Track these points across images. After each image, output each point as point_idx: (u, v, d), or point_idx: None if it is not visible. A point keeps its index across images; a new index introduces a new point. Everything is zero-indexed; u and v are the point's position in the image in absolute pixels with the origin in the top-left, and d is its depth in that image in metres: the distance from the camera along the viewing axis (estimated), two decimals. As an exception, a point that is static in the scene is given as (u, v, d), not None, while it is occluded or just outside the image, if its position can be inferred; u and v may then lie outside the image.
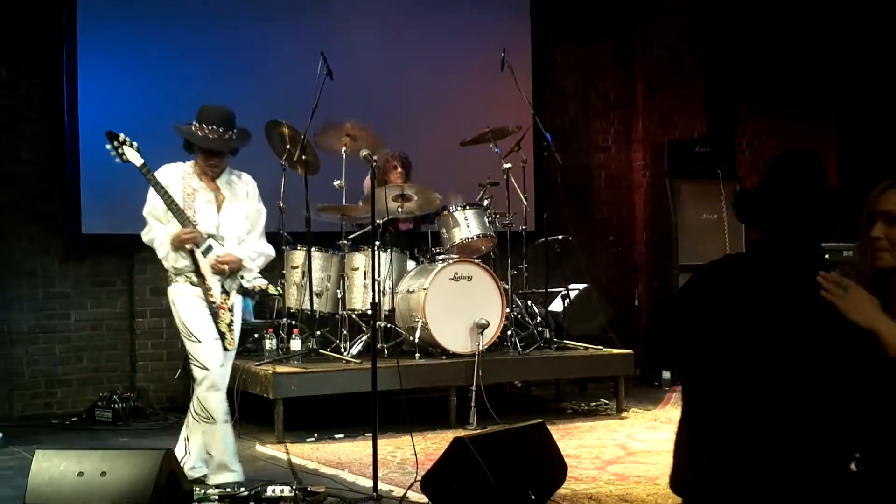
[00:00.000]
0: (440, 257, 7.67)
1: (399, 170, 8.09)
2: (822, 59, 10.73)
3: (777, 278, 2.84)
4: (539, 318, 8.24)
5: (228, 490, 5.13)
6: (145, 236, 5.56)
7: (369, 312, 6.37)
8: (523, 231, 8.16)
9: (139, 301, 8.47)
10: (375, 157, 5.88)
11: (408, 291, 7.51)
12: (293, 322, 7.54)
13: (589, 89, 10.29)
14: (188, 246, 5.36)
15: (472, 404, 7.10)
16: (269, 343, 7.51)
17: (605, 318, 8.97)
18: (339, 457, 6.30)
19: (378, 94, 8.91)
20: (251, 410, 7.22)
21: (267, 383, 6.86)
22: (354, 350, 7.40)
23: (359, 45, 8.98)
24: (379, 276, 7.33)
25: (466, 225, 7.75)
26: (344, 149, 7.45)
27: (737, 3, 10.47)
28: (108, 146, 5.50)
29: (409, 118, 9.03)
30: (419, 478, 5.03)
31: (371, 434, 5.27)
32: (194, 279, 5.41)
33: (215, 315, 5.41)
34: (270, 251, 5.73)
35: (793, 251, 2.91)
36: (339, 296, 7.55)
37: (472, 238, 7.73)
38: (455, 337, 7.41)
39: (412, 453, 5.76)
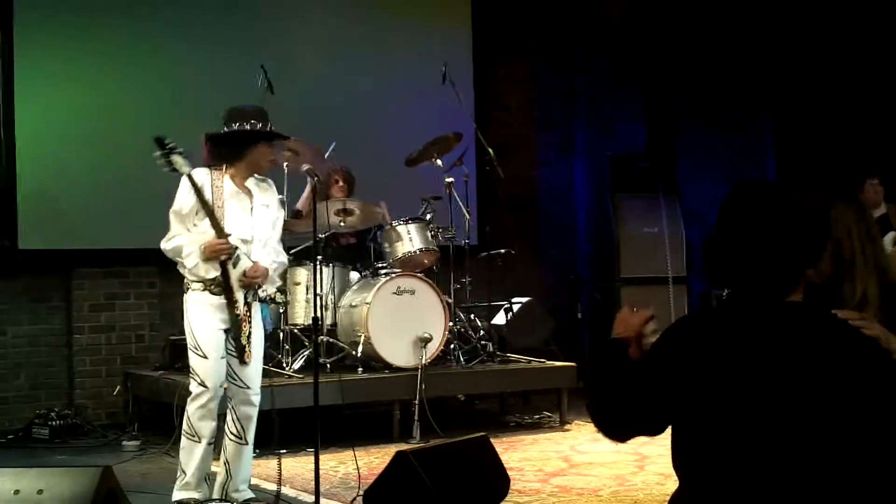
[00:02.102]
0: (383, 271, 7.65)
1: (341, 184, 8.07)
2: (760, 70, 10.87)
3: (781, 330, 2.48)
4: (482, 332, 8.25)
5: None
6: (168, 244, 5.25)
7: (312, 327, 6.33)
8: (466, 245, 8.17)
9: (77, 317, 8.34)
10: (317, 173, 5.84)
11: (350, 306, 7.48)
12: (235, 337, 7.46)
13: (531, 103, 10.34)
14: (223, 257, 5.17)
15: (416, 418, 7.09)
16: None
17: (548, 331, 9.00)
18: (282, 472, 6.24)
19: (319, 108, 8.88)
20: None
21: (208, 399, 6.77)
22: (297, 365, 7.35)
23: (299, 59, 8.95)
24: (321, 290, 7.32)
25: (409, 239, 7.75)
26: (285, 164, 7.41)
27: (675, 17, 10.58)
28: (157, 153, 5.15)
29: (350, 132, 8.99)
30: (361, 492, 5.00)
31: (313, 449, 5.24)
32: (215, 289, 5.22)
33: (238, 327, 5.20)
34: (285, 259, 5.61)
35: (774, 297, 2.54)
36: (281, 311, 7.50)
37: (415, 252, 7.72)
38: (398, 351, 7.40)
39: (355, 468, 5.74)
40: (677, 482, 2.62)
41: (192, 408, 5.23)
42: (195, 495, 5.27)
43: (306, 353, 7.43)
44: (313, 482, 5.19)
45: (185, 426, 5.27)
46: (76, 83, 8.33)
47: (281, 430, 6.92)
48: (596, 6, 10.32)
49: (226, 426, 5.37)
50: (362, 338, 7.30)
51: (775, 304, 2.53)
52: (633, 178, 9.80)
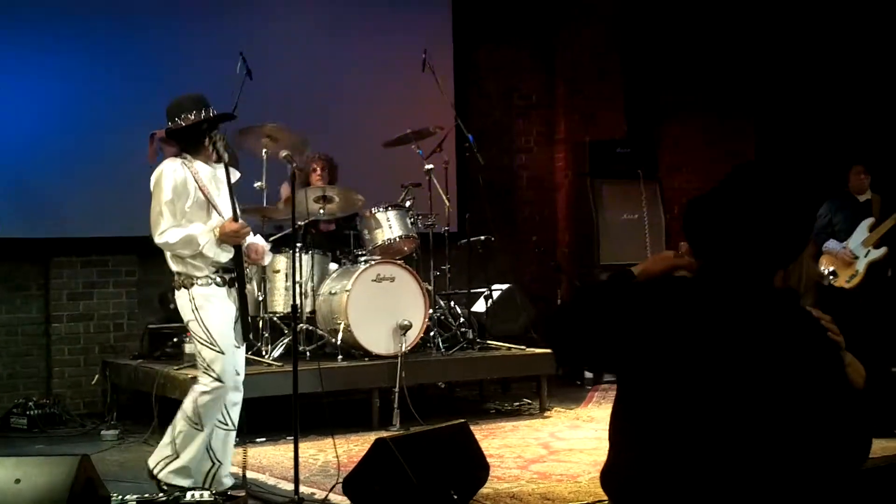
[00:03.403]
0: (362, 259, 7.64)
1: (319, 171, 8.04)
2: (741, 59, 10.89)
3: (746, 306, 2.53)
4: (462, 319, 8.24)
5: (147, 496, 5.04)
6: (171, 237, 5.12)
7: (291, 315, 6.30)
8: (446, 232, 8.16)
9: (55, 306, 8.30)
10: (295, 160, 5.80)
11: (330, 293, 7.47)
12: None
13: (511, 90, 10.33)
14: (242, 241, 5.17)
15: (395, 406, 7.08)
16: (189, 347, 7.38)
17: (528, 318, 9.01)
18: (260, 461, 6.24)
19: (299, 94, 8.84)
20: (170, 415, 7.10)
21: (186, 388, 6.71)
22: (276, 353, 7.33)
23: (280, 45, 8.90)
24: (300, 278, 7.30)
25: (389, 226, 7.73)
26: (264, 150, 7.38)
27: (657, 4, 10.58)
28: (216, 133, 5.26)
29: (331, 119, 8.98)
30: (341, 480, 5.00)
31: (293, 437, 5.22)
32: (219, 280, 5.19)
33: (244, 305, 5.19)
34: None
35: (753, 277, 2.56)
36: (261, 298, 7.48)
37: (395, 239, 7.71)
38: (378, 338, 7.39)
39: (334, 456, 5.73)
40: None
41: (203, 399, 5.17)
42: (187, 483, 5.23)
43: (285, 340, 7.41)
44: (293, 470, 5.18)
45: (189, 413, 5.20)
46: (53, 70, 8.26)
47: (261, 419, 6.91)
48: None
49: (183, 410, 5.32)
50: (342, 325, 7.29)
51: (749, 285, 2.55)
52: (613, 164, 9.80)
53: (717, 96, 10.95)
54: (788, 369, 2.49)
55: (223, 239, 5.14)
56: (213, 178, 5.30)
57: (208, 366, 5.17)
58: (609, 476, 2.71)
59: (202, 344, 5.19)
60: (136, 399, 7.81)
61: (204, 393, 5.18)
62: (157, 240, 5.18)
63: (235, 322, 5.27)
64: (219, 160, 5.26)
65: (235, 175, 5.45)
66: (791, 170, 2.61)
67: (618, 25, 10.40)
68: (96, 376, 8.11)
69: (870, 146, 9.50)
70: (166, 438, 5.31)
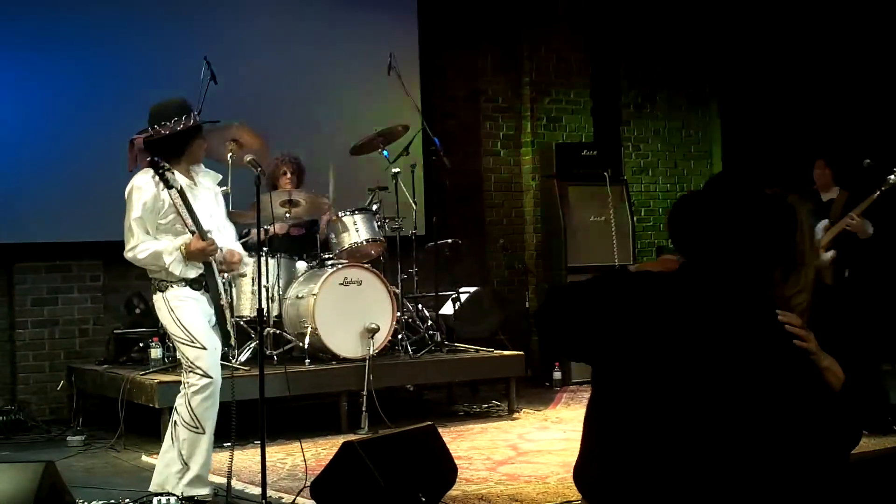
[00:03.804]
0: (329, 262, 7.62)
1: (289, 175, 8.00)
2: (704, 59, 10.96)
3: (718, 308, 2.60)
4: (430, 322, 8.24)
5: (113, 501, 5.01)
6: (140, 253, 5.13)
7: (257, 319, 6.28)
8: (413, 235, 8.16)
9: (20, 312, 8.22)
10: (260, 163, 5.77)
11: (297, 297, 7.45)
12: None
13: (477, 93, 10.34)
14: (213, 257, 5.15)
15: (364, 409, 7.07)
16: (155, 352, 7.35)
17: (496, 320, 9.02)
18: (227, 465, 6.19)
19: (265, 98, 8.81)
20: (137, 421, 7.10)
21: (153, 393, 6.73)
22: (243, 357, 7.29)
23: (245, 48, 8.87)
24: (266, 282, 7.28)
25: (356, 230, 7.72)
26: (229, 154, 7.34)
27: (623, 6, 10.63)
28: (152, 174, 5.09)
29: (296, 122, 8.95)
30: (309, 484, 4.98)
31: (260, 441, 5.20)
32: (195, 284, 5.21)
33: (221, 315, 5.22)
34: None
35: (733, 280, 2.63)
36: (226, 303, 7.42)
37: (362, 243, 7.70)
38: (345, 342, 7.38)
39: (302, 460, 5.71)
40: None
41: (196, 400, 5.16)
42: (205, 491, 5.21)
43: (252, 345, 7.38)
44: (260, 474, 5.16)
45: (186, 418, 5.17)
46: (12, 75, 8.19)
47: (228, 423, 6.87)
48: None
49: (178, 417, 5.28)
50: (309, 329, 7.28)
51: (724, 285, 2.61)
52: (580, 166, 9.82)
53: (682, 98, 11.02)
54: (751, 370, 2.53)
55: (190, 257, 5.14)
56: (192, 187, 5.28)
57: (193, 363, 5.17)
58: (582, 472, 2.72)
59: (183, 344, 5.19)
60: (102, 405, 7.76)
61: (195, 392, 5.17)
62: (126, 255, 5.22)
63: (213, 326, 5.26)
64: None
65: (212, 180, 5.43)
66: (772, 179, 2.68)
67: (583, 27, 10.44)
68: (62, 382, 8.06)
69: (837, 143, 9.55)
70: (170, 453, 5.24)
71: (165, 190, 5.10)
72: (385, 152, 8.09)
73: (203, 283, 5.25)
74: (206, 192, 5.41)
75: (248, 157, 5.75)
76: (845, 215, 7.86)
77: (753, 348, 2.55)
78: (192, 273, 5.20)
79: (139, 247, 5.14)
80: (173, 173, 5.10)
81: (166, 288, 5.22)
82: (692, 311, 2.59)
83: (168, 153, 5.22)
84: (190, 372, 5.18)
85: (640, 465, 2.55)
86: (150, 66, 8.48)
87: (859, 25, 10.10)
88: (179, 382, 6.71)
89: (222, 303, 5.22)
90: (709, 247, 2.63)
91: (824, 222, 8.10)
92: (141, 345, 7.68)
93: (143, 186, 5.16)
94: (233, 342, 5.33)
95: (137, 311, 8.19)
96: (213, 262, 5.21)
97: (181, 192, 5.10)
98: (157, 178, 5.11)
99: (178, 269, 5.15)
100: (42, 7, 8.29)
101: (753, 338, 2.56)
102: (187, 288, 5.22)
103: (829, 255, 7.99)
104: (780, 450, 2.52)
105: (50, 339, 8.28)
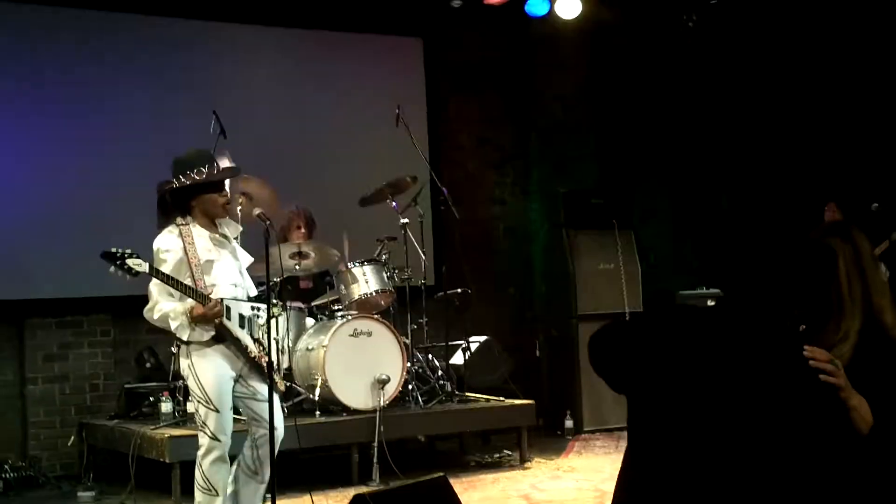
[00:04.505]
0: (339, 314, 7.62)
1: (302, 229, 8.02)
2: (711, 105, 10.99)
3: (744, 343, 2.63)
4: (440, 372, 8.22)
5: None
6: (154, 314, 5.17)
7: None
8: (422, 285, 8.17)
9: (31, 367, 8.23)
10: (269, 217, 5.79)
11: (307, 349, 7.44)
12: (190, 384, 7.38)
13: (484, 142, 10.38)
14: (217, 321, 5.11)
15: (375, 460, 7.04)
16: (166, 406, 7.34)
17: (506, 369, 8.99)
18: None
19: (274, 151, 8.86)
20: (148, 476, 7.08)
21: (163, 447, 6.72)
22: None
23: (253, 103, 8.94)
24: (277, 334, 7.26)
25: (365, 281, 7.73)
26: (239, 208, 7.36)
27: (628, 54, 10.69)
28: (112, 269, 5.03)
29: (305, 174, 9.00)
30: (320, 538, 4.96)
31: (271, 495, 5.18)
32: (219, 338, 5.18)
33: (259, 368, 5.20)
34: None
35: (763, 315, 2.68)
36: (262, 351, 7.42)
37: (371, 294, 7.71)
38: (356, 393, 7.36)
39: (314, 513, 5.68)
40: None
41: (206, 462, 5.15)
42: None
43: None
44: (271, 529, 5.14)
45: (200, 481, 5.17)
46: (25, 129, 8.26)
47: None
48: (548, 47, 10.38)
49: (241, 463, 5.28)
50: (319, 381, 7.26)
51: (755, 320, 2.66)
52: (587, 214, 9.82)
53: (689, 145, 11.04)
54: (775, 407, 2.55)
55: (197, 322, 5.11)
56: (215, 241, 5.26)
57: (204, 423, 5.17)
58: None
59: (198, 402, 5.19)
60: (113, 460, 7.74)
61: (204, 455, 5.17)
62: (144, 314, 5.24)
63: (236, 381, 5.22)
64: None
65: (237, 231, 5.43)
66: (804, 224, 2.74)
67: (589, 75, 10.50)
68: (72, 437, 8.04)
69: (847, 185, 9.56)
70: None
71: (182, 248, 5.10)
72: (394, 203, 8.11)
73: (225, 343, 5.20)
74: (237, 246, 5.41)
75: (256, 211, 5.76)
76: None
77: (779, 384, 2.57)
78: (204, 336, 5.15)
79: (155, 307, 5.16)
80: (134, 256, 5.02)
81: (189, 342, 5.21)
82: (722, 346, 2.63)
83: (180, 211, 5.24)
84: (201, 432, 5.18)
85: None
86: (159, 121, 8.56)
87: (865, 65, 10.12)
88: (190, 436, 6.74)
89: (252, 355, 5.18)
90: (742, 283, 2.69)
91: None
92: (151, 399, 7.67)
93: (164, 248, 5.18)
94: (281, 387, 5.25)
95: (148, 364, 8.19)
96: (226, 322, 5.14)
97: (153, 269, 5.05)
98: (179, 236, 5.13)
99: (184, 333, 5.13)
100: (47, 60, 8.37)
101: (779, 374, 2.58)
102: (205, 345, 5.18)
103: None
104: (806, 490, 2.51)
105: (61, 395, 8.28)
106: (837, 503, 2.57)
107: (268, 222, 5.61)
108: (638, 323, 2.91)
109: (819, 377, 2.57)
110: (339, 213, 8.62)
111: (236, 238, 5.45)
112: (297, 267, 7.60)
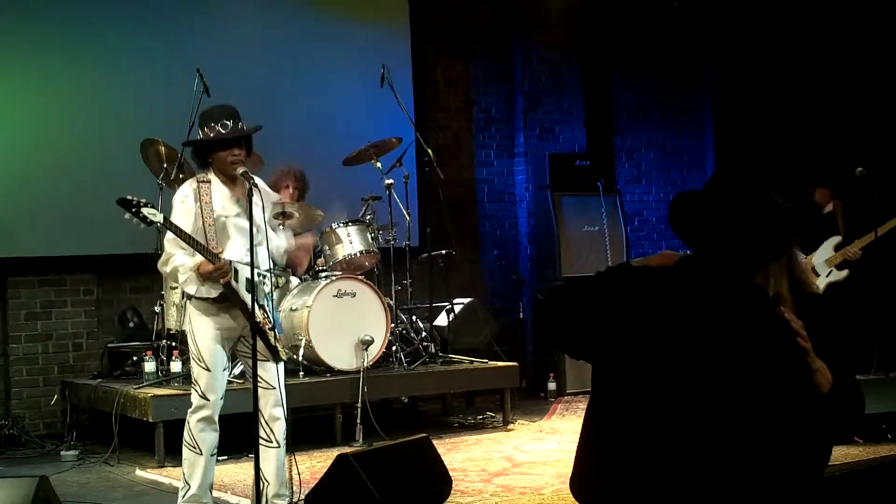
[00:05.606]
0: (323, 274, 7.61)
1: (290, 189, 7.92)
2: (698, 69, 10.98)
3: (718, 301, 2.61)
4: (424, 333, 8.24)
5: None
6: (165, 266, 5.12)
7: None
8: (407, 246, 8.15)
9: (13, 326, 8.20)
10: (252, 177, 5.72)
11: (291, 310, 7.43)
12: (173, 344, 7.38)
13: (470, 104, 10.34)
14: (223, 281, 5.02)
15: (358, 421, 7.06)
16: (149, 366, 7.34)
17: (490, 331, 9.01)
18: (222, 479, 6.19)
19: (258, 110, 8.73)
20: (131, 435, 7.09)
21: (146, 406, 6.72)
22: (236, 370, 7.26)
23: (237, 61, 8.86)
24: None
25: (349, 241, 7.71)
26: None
27: (615, 18, 10.64)
28: (127, 215, 4.97)
29: (290, 134, 8.93)
30: (303, 497, 4.97)
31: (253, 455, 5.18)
32: (220, 299, 5.09)
33: (263, 333, 5.06)
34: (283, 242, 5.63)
35: (732, 273, 2.63)
36: (268, 318, 7.39)
37: (356, 254, 7.69)
38: (340, 354, 7.36)
39: (296, 472, 5.68)
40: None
41: (193, 419, 5.12)
42: None
43: (247, 358, 7.36)
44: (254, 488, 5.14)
45: (186, 438, 5.15)
46: (6, 91, 8.18)
47: (222, 437, 6.86)
48: (535, 9, 10.32)
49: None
50: (303, 342, 7.26)
51: (725, 278, 2.62)
52: (573, 176, 9.83)
53: (676, 109, 11.03)
54: (752, 366, 2.54)
55: (205, 279, 5.05)
56: (233, 199, 5.19)
57: (195, 380, 5.14)
58: (579, 481, 2.71)
59: (192, 359, 5.17)
60: (95, 419, 7.74)
61: (192, 412, 5.14)
62: (159, 268, 5.24)
63: (237, 341, 5.20)
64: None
65: (268, 198, 5.33)
66: (776, 175, 2.70)
67: (576, 38, 10.45)
68: (55, 396, 8.03)
69: (831, 149, 9.57)
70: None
71: (198, 203, 5.07)
72: (379, 163, 8.07)
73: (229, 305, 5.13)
74: (256, 203, 5.17)
75: (240, 170, 5.70)
76: (851, 229, 7.97)
77: (751, 343, 2.56)
78: (212, 293, 5.08)
79: (169, 260, 5.10)
80: (150, 206, 4.96)
81: (190, 297, 5.17)
82: (690, 305, 2.60)
83: (200, 164, 5.23)
84: (193, 389, 5.16)
85: (640, 471, 2.55)
86: (142, 79, 8.50)
87: (855, 32, 10.11)
88: (172, 396, 6.76)
89: (258, 321, 5.06)
90: (709, 241, 2.65)
91: (836, 239, 8.12)
92: (135, 358, 7.66)
93: (180, 200, 5.13)
94: (283, 356, 5.21)
95: (131, 324, 8.17)
96: (233, 283, 5.07)
97: (167, 221, 5.01)
98: (197, 190, 5.10)
99: (192, 288, 5.07)
100: (30, 20, 8.27)
101: (751, 333, 2.57)
102: (209, 303, 5.12)
103: (844, 273, 8.03)
104: (770, 449, 2.52)
105: (43, 354, 8.25)
106: (799, 460, 2.58)
107: (251, 181, 5.54)
108: (595, 283, 2.78)
109: (796, 340, 2.57)
110: (323, 173, 8.57)
111: (258, 204, 5.23)
112: (282, 227, 7.55)
